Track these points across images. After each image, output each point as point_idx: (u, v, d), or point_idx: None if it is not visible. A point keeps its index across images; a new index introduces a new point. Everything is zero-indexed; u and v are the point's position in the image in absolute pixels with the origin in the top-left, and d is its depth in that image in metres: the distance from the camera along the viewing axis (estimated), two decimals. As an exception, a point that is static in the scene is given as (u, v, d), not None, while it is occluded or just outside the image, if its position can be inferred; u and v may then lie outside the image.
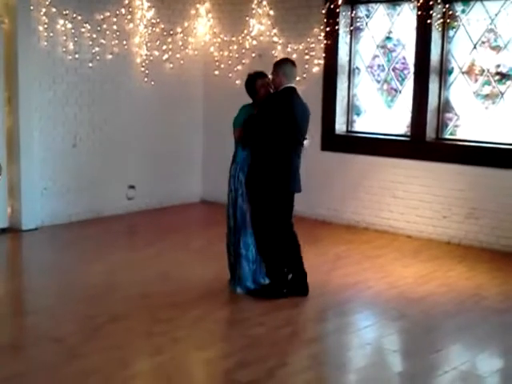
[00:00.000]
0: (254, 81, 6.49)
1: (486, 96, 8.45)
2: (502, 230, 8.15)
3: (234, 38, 10.22)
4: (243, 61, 10.13)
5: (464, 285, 6.98)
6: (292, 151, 6.36)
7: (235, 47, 10.22)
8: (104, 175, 9.70)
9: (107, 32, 9.46)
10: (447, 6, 8.47)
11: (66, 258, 7.82)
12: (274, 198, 6.37)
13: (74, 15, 9.07)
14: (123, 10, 9.58)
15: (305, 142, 6.48)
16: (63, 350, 5.29)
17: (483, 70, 8.43)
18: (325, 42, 9.33)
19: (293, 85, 6.41)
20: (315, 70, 9.46)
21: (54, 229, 9.02)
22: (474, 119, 8.54)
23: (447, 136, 8.78)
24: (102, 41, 9.42)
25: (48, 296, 6.59)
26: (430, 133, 8.73)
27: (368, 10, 9.29)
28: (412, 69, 8.85)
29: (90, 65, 9.35)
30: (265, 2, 9.80)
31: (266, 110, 6.28)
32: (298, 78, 9.33)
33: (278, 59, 6.75)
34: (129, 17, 9.67)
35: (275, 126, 6.23)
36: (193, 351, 5.40)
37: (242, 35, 10.10)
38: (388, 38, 9.19)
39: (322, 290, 6.71)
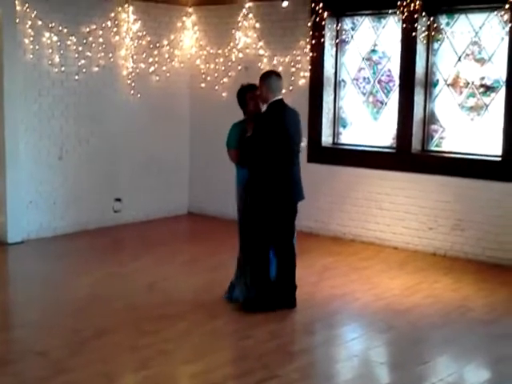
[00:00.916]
0: (244, 93, 6.57)
1: (471, 108, 8.50)
2: (487, 242, 8.19)
3: (220, 51, 10.24)
4: (229, 73, 10.15)
5: (450, 296, 7.00)
6: (290, 162, 6.40)
7: (221, 60, 10.25)
8: (90, 188, 9.67)
9: (93, 45, 9.45)
10: (432, 18, 8.53)
11: (52, 272, 7.77)
12: (278, 211, 6.41)
13: (60, 28, 9.07)
14: (109, 23, 9.58)
15: (301, 144, 6.61)
16: (49, 364, 5.26)
17: (468, 83, 8.49)
18: (311, 54, 9.37)
19: (279, 97, 6.42)
20: (301, 82, 9.49)
21: (39, 242, 8.97)
22: (460, 131, 8.59)
23: (433, 148, 8.82)
24: (88, 53, 9.42)
25: (34, 310, 6.54)
26: (416, 145, 8.77)
27: (353, 23, 9.35)
28: (397, 81, 8.89)
29: (76, 77, 9.34)
30: (251, 15, 9.84)
31: (259, 131, 6.30)
32: (284, 91, 9.42)
33: (263, 72, 6.76)
34: (115, 29, 9.68)
35: (270, 144, 6.27)
36: (180, 364, 5.37)
37: (228, 48, 10.12)
38: (373, 51, 9.24)
39: (310, 302, 6.70)
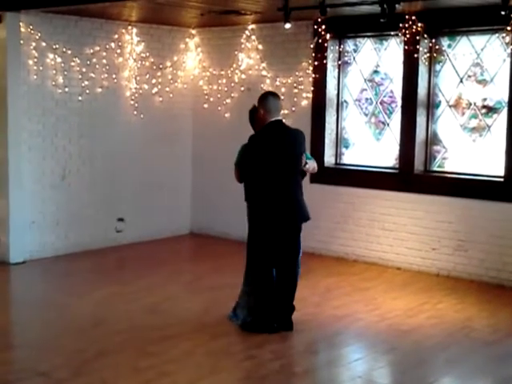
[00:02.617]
0: (253, 113, 6.67)
1: (473, 129, 8.53)
2: (490, 262, 8.17)
3: (223, 72, 10.30)
4: (232, 94, 10.20)
5: (453, 317, 6.97)
6: (280, 183, 6.34)
7: (224, 81, 10.30)
8: (93, 208, 9.68)
9: (97, 66, 9.51)
10: (433, 40, 8.58)
11: (54, 292, 7.76)
12: (266, 231, 6.38)
13: (64, 49, 9.14)
14: (113, 45, 9.65)
15: (307, 166, 6.46)
16: (51, 385, 5.23)
17: (470, 104, 8.52)
18: (313, 75, 9.41)
19: (277, 118, 6.41)
20: (304, 103, 9.53)
21: (42, 262, 8.96)
22: (462, 152, 8.61)
23: (435, 168, 8.84)
24: (92, 74, 9.47)
25: (36, 330, 6.53)
26: (418, 165, 8.79)
27: (356, 45, 9.40)
28: (399, 102, 8.93)
29: (80, 98, 9.39)
30: (254, 37, 9.90)
31: (246, 151, 6.37)
32: (286, 112, 9.50)
33: (261, 93, 6.78)
34: (118, 51, 9.74)
35: (259, 164, 6.30)
36: (182, 385, 5.35)
37: (231, 69, 10.18)
38: (376, 72, 9.29)
39: (312, 323, 6.68)
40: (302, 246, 6.16)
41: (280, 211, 6.36)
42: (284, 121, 9.40)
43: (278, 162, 6.30)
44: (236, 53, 10.10)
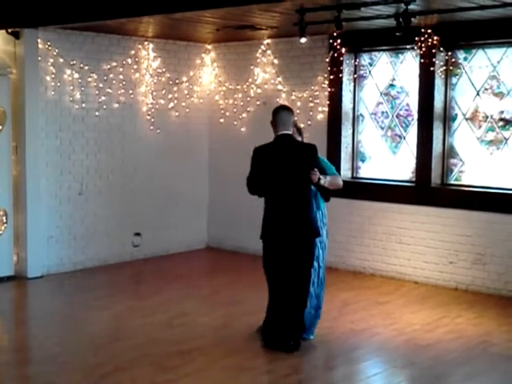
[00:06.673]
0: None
1: (490, 142, 8.49)
2: (509, 276, 8.10)
3: (238, 87, 10.33)
4: (248, 109, 10.23)
5: (472, 331, 6.92)
6: (283, 197, 6.25)
7: (240, 95, 10.33)
8: (110, 223, 9.72)
9: (114, 81, 9.58)
10: (449, 53, 8.57)
11: (72, 306, 7.78)
12: (267, 245, 6.35)
13: (81, 65, 9.21)
14: (129, 60, 9.72)
15: (321, 182, 6.33)
16: (68, 400, 5.24)
17: (487, 117, 8.49)
18: (329, 89, 9.42)
19: (285, 132, 6.31)
20: (320, 117, 9.54)
21: (59, 277, 9.00)
22: (479, 165, 8.57)
23: (452, 182, 8.80)
24: (109, 90, 9.54)
25: (53, 344, 6.53)
26: (435, 178, 8.76)
27: (371, 59, 9.41)
28: (416, 115, 8.91)
29: (97, 113, 9.45)
30: (269, 51, 9.94)
31: (251, 163, 6.35)
32: (302, 125, 9.49)
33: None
34: (135, 66, 9.81)
35: (262, 176, 6.28)
36: (199, 400, 5.34)
37: (247, 83, 10.21)
38: (391, 86, 9.28)
39: (330, 337, 6.65)
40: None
41: (281, 224, 6.26)
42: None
43: (280, 175, 6.24)
44: (252, 67, 10.14)
